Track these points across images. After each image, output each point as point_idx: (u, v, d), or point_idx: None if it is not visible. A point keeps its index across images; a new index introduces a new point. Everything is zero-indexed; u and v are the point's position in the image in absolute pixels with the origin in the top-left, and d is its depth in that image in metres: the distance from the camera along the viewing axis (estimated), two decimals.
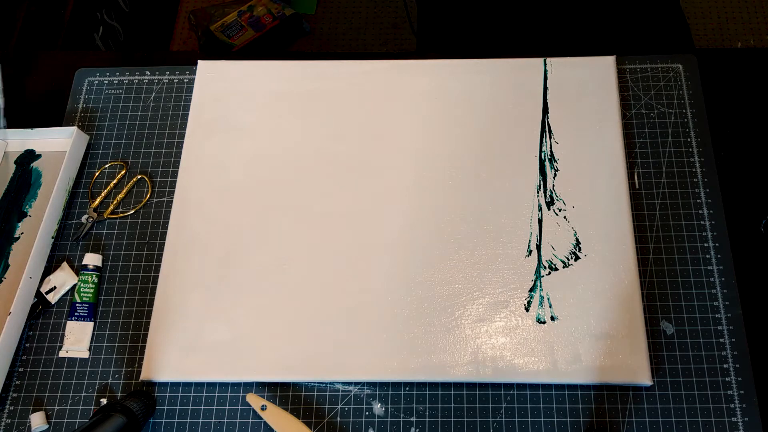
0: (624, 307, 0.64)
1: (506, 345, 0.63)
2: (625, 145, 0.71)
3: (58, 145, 0.75)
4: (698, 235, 0.68)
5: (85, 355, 0.66)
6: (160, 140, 0.76)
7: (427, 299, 0.65)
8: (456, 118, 0.73)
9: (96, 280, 0.68)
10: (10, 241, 0.71)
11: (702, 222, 0.68)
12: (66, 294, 0.69)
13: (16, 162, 0.75)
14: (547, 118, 0.72)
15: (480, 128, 0.72)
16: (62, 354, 0.66)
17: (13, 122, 0.79)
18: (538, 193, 0.69)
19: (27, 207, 0.72)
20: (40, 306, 0.67)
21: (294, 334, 0.64)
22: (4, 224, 0.71)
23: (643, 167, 0.71)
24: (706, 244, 0.67)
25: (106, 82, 0.80)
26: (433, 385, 0.63)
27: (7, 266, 0.69)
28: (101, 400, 0.64)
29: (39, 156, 0.75)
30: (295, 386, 0.64)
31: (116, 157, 0.75)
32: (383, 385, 0.63)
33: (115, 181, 0.74)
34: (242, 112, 0.75)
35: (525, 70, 0.75)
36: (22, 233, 0.71)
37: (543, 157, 0.71)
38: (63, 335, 0.67)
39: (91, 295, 0.68)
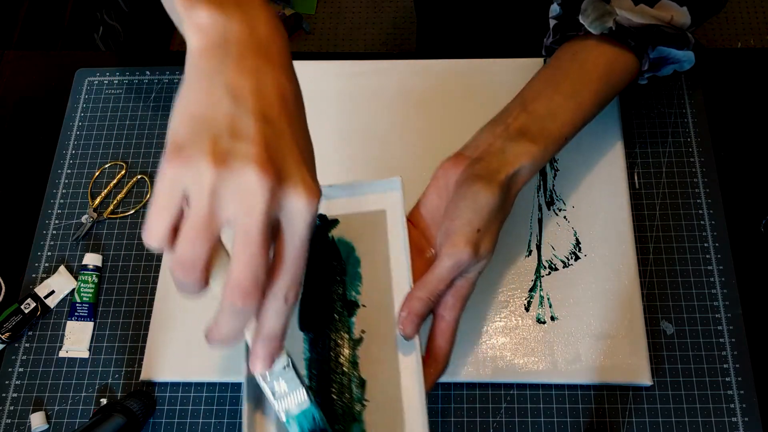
0: (624, 307, 0.64)
1: (506, 345, 0.63)
2: (625, 145, 0.71)
3: (358, 203, 0.59)
4: (698, 235, 0.68)
5: (85, 355, 0.66)
6: (160, 140, 0.76)
7: None
8: (456, 119, 0.73)
9: (96, 280, 0.68)
10: (354, 353, 0.54)
11: (702, 222, 0.68)
12: (66, 294, 0.69)
13: None
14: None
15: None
16: (62, 354, 0.66)
17: (11, 121, 0.79)
18: (538, 193, 0.69)
19: (352, 294, 0.56)
20: (39, 310, 0.67)
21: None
22: (329, 337, 0.54)
23: (643, 167, 0.71)
24: (706, 244, 0.67)
25: (106, 82, 0.80)
26: (434, 385, 0.63)
27: (362, 383, 0.54)
28: (101, 400, 0.64)
29: (336, 222, 0.59)
30: None
31: (116, 157, 0.75)
32: None
33: (115, 181, 0.74)
34: None
35: (525, 70, 0.75)
36: (363, 333, 0.55)
37: None
38: (63, 335, 0.67)
39: (91, 295, 0.68)
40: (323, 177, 0.72)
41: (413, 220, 0.57)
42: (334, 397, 0.53)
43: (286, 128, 0.39)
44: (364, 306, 0.56)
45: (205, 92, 0.39)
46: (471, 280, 0.53)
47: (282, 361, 0.45)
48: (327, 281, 0.56)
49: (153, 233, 0.38)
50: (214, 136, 0.37)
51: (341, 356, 0.54)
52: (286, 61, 0.41)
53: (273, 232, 0.38)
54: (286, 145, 0.39)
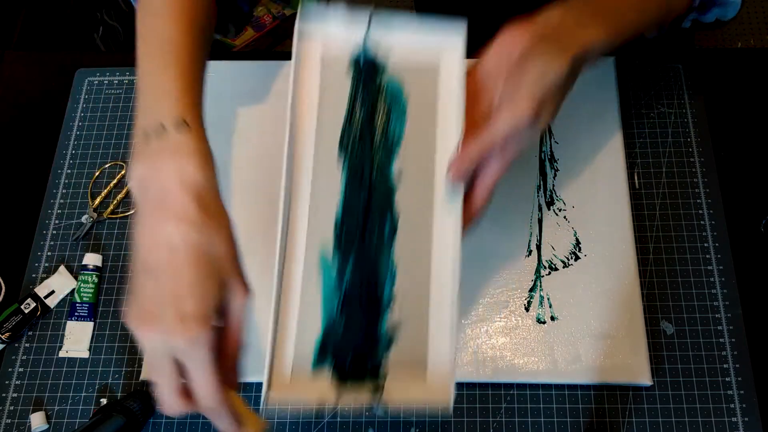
0: (624, 307, 0.64)
1: (506, 345, 0.63)
2: (625, 145, 0.71)
3: (414, 41, 0.57)
4: (698, 235, 0.68)
5: (85, 355, 0.66)
6: None
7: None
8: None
9: (96, 280, 0.68)
10: (390, 188, 0.55)
11: (702, 222, 0.68)
12: (66, 294, 0.69)
13: (355, 65, 0.57)
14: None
15: None
16: (62, 354, 0.66)
17: (11, 122, 0.79)
18: (538, 193, 0.69)
19: (396, 131, 0.56)
20: (39, 310, 0.67)
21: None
22: (368, 168, 0.54)
23: (643, 167, 0.71)
24: (706, 244, 0.67)
25: (106, 82, 0.80)
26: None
27: (396, 218, 0.54)
28: (101, 400, 0.64)
29: (387, 58, 0.58)
30: None
31: (116, 157, 0.75)
32: None
33: (115, 181, 0.74)
34: (242, 112, 0.75)
35: None
36: (402, 170, 0.55)
37: (543, 157, 0.71)
38: (63, 335, 0.67)
39: (91, 295, 0.68)
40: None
41: (468, 77, 0.57)
42: (367, 225, 0.54)
43: (167, 278, 0.45)
44: (406, 145, 0.56)
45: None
46: (521, 146, 0.54)
47: None
48: (371, 115, 0.56)
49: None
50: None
51: (378, 188, 0.55)
52: (183, 205, 0.47)
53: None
54: (164, 295, 0.45)
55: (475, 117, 0.55)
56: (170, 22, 0.56)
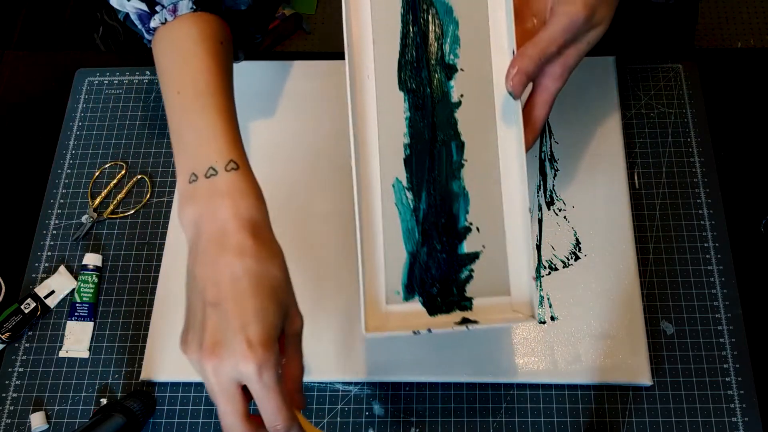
0: (624, 307, 0.64)
1: (506, 345, 0.63)
2: (625, 145, 0.71)
3: None
4: (698, 235, 0.68)
5: (85, 355, 0.66)
6: (160, 140, 0.76)
7: None
8: None
9: (96, 280, 0.68)
10: (452, 115, 0.54)
11: (702, 222, 0.68)
12: (66, 294, 0.69)
13: None
14: (548, 118, 0.72)
15: None
16: (62, 354, 0.66)
17: (11, 122, 0.79)
18: (538, 193, 0.69)
19: (451, 57, 0.55)
20: (39, 310, 0.67)
21: None
22: (429, 98, 0.54)
23: (643, 167, 0.71)
24: (706, 244, 0.67)
25: (106, 82, 0.80)
26: (433, 385, 0.63)
27: (461, 144, 0.54)
28: (101, 400, 0.64)
29: None
30: None
31: (116, 157, 0.75)
32: (383, 385, 0.63)
33: (115, 181, 0.74)
34: (241, 112, 0.75)
35: None
36: (461, 97, 0.55)
37: (543, 157, 0.71)
38: (63, 335, 0.67)
39: (91, 295, 0.68)
40: (321, 176, 0.72)
41: None
42: (435, 155, 0.54)
43: (232, 307, 0.46)
44: (462, 70, 0.55)
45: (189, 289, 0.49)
46: (581, 49, 0.53)
47: None
48: (424, 43, 0.55)
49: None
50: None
51: (441, 117, 0.55)
52: (241, 240, 0.48)
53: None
54: (229, 324, 0.46)
55: (525, 29, 0.54)
56: (202, 63, 0.55)
